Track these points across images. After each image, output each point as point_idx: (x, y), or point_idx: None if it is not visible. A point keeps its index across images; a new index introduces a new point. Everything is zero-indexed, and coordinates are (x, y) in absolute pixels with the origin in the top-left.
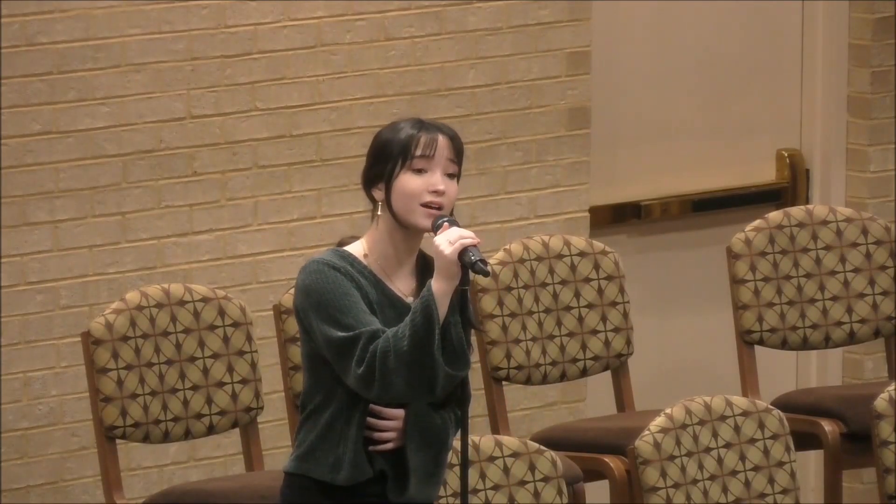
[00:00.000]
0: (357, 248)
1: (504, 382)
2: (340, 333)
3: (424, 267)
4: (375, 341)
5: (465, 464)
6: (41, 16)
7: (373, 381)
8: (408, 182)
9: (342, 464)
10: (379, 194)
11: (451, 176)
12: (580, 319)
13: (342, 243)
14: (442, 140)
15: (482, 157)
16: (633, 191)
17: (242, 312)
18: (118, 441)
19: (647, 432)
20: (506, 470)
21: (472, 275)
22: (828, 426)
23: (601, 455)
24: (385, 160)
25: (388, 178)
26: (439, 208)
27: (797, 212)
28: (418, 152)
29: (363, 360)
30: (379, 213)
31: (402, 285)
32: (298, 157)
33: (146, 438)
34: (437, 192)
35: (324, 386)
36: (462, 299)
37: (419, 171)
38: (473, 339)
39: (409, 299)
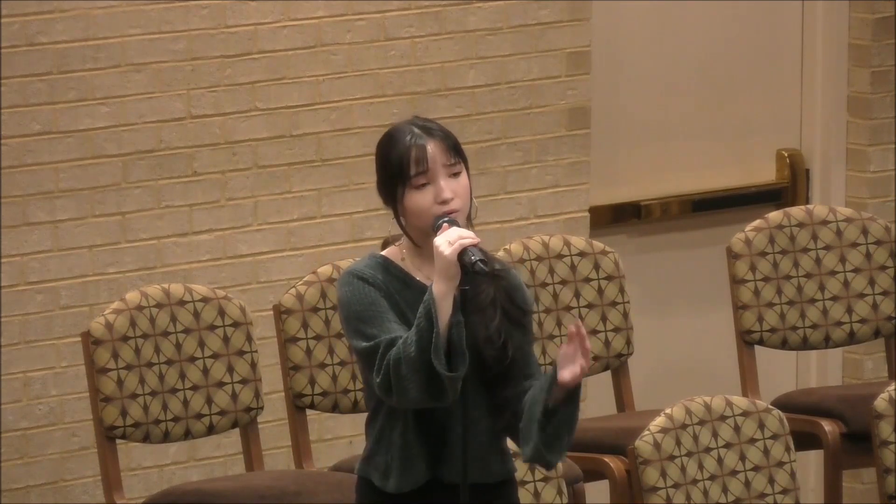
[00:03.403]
0: (394, 252)
1: None
2: (364, 344)
3: None
4: (391, 350)
5: (465, 463)
6: (41, 16)
7: (391, 389)
8: (415, 201)
9: (391, 471)
10: (395, 210)
11: (455, 175)
12: (580, 320)
13: (387, 241)
14: (432, 148)
15: (482, 157)
16: (633, 191)
17: (242, 312)
18: (118, 441)
19: (647, 432)
20: None
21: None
22: (828, 426)
23: (601, 455)
24: (388, 182)
25: (396, 202)
26: (455, 211)
27: (797, 212)
28: (412, 171)
29: (381, 369)
30: (400, 229)
31: None
32: (298, 157)
33: (146, 438)
34: (445, 202)
35: (375, 392)
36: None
37: (422, 187)
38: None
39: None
